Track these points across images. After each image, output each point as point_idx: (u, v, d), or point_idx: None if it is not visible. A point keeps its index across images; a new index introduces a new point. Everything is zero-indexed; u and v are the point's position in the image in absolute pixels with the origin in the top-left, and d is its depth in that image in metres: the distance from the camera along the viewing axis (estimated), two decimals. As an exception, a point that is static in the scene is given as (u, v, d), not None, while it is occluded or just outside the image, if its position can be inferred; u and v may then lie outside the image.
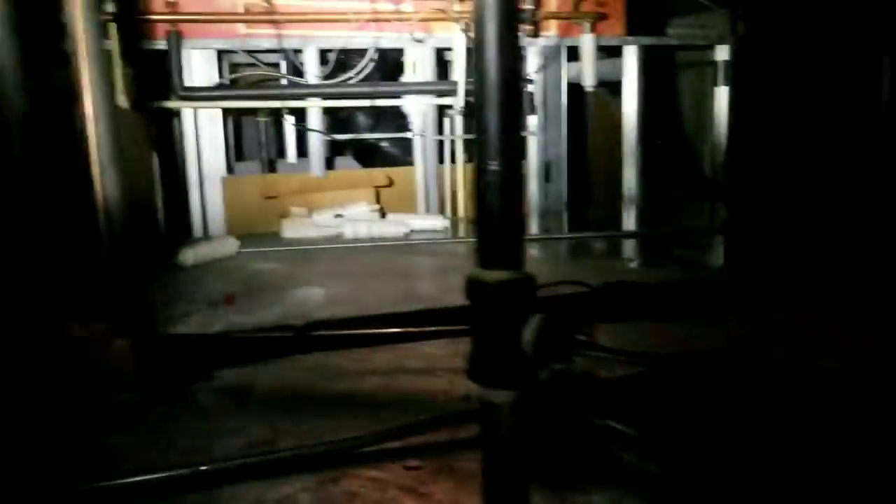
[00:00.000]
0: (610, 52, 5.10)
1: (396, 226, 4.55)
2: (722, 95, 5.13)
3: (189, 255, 3.83)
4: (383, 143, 5.43)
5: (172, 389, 2.06)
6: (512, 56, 0.99)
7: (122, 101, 4.02)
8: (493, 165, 1.01)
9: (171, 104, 4.47)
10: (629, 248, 4.37)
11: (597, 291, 2.76)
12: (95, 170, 1.99)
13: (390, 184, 4.94)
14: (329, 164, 5.09)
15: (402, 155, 5.37)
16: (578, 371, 1.55)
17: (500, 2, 0.97)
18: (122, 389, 2.00)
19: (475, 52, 1.01)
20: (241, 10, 4.37)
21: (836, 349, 2.29)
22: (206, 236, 4.55)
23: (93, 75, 2.00)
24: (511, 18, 0.99)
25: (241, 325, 2.76)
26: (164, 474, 1.59)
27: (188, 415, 1.93)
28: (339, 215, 4.63)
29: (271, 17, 4.30)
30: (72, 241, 2.20)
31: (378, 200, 4.88)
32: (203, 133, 4.64)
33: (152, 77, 4.42)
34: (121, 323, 2.10)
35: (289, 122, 5.03)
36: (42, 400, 1.92)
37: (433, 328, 2.16)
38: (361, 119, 5.32)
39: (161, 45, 4.34)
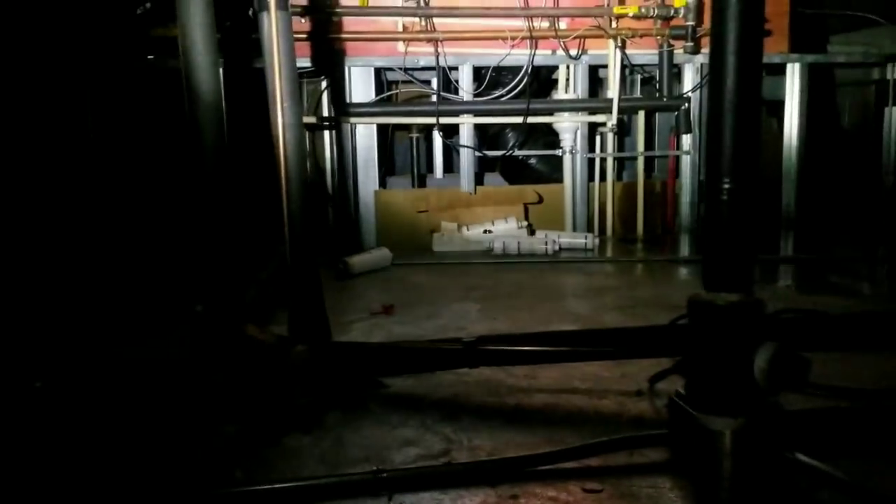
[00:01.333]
0: (769, 70, 4.91)
1: (545, 243, 4.52)
2: (892, 116, 4.83)
3: (351, 265, 3.96)
4: (531, 160, 5.43)
5: (346, 396, 2.12)
6: (753, 67, 0.95)
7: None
8: (726, 183, 0.97)
9: (339, 118, 4.68)
10: (782, 272, 4.18)
11: (768, 318, 2.61)
12: (284, 184, 2.09)
13: (540, 200, 4.93)
14: (477, 180, 5.14)
15: (549, 172, 5.35)
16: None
17: (743, 8, 0.93)
18: (299, 393, 2.08)
19: (710, 63, 0.98)
20: (401, 29, 4.51)
21: None
22: (362, 247, 4.69)
23: (284, 89, 2.10)
24: (754, 26, 0.95)
25: (401, 335, 2.83)
26: (347, 477, 1.64)
27: (363, 421, 1.98)
28: (488, 231, 4.66)
29: (431, 36, 4.40)
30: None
31: (527, 217, 4.87)
32: (358, 147, 4.81)
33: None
34: (299, 330, 2.19)
35: (438, 137, 5.12)
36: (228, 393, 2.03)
37: (602, 349, 2.11)
38: (510, 135, 5.34)
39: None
